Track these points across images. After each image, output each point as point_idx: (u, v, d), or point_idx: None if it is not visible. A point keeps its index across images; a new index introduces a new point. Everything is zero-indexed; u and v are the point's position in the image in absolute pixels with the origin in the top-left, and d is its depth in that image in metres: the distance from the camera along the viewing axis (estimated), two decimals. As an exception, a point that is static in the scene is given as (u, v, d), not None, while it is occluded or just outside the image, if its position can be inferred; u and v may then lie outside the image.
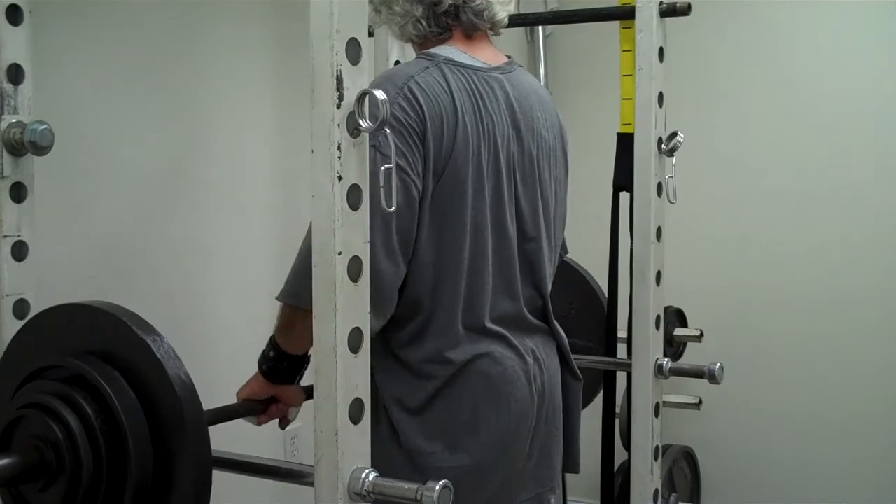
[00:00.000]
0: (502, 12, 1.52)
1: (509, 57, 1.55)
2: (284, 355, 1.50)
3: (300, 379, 1.57)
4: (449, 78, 1.39)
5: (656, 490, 1.95)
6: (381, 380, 1.42)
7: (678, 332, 2.79)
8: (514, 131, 1.47)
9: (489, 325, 1.45)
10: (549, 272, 1.56)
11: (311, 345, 1.47)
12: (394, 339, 1.43)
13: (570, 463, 1.64)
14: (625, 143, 1.97)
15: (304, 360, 1.53)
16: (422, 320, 1.41)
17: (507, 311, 1.48)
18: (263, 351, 1.52)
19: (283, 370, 1.52)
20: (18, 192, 1.42)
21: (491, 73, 1.47)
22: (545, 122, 1.54)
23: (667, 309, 2.37)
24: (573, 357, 1.62)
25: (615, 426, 2.25)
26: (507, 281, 1.48)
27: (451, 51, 1.45)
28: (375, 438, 1.36)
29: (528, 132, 1.49)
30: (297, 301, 1.36)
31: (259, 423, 1.61)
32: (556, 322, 1.59)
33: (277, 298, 1.41)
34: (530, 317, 1.53)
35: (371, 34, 1.63)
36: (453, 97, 1.38)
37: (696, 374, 1.94)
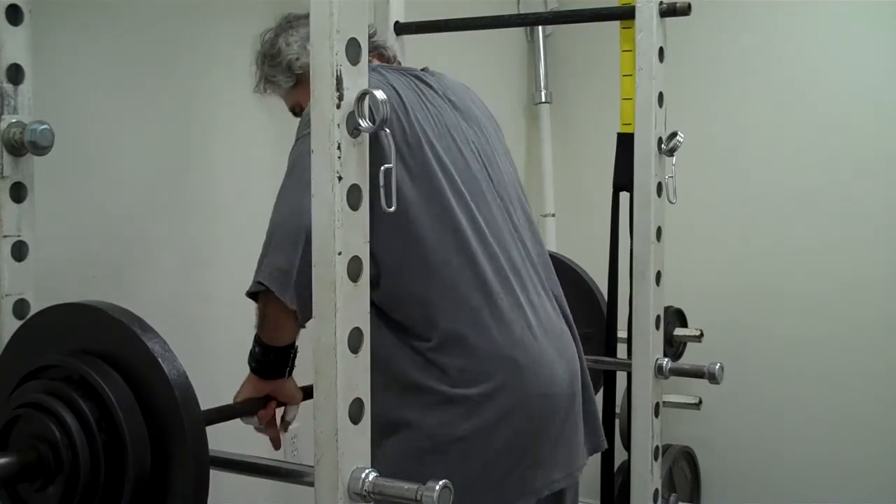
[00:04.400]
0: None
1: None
2: (269, 348, 1.50)
3: (291, 372, 1.57)
4: (388, 77, 1.47)
5: (656, 490, 1.95)
6: (400, 371, 1.42)
7: (678, 332, 2.79)
8: (462, 120, 1.56)
9: (503, 297, 1.47)
10: (536, 240, 1.62)
11: (292, 334, 1.48)
12: (404, 330, 1.44)
13: (596, 440, 1.65)
14: (625, 143, 1.97)
15: (289, 352, 1.53)
16: (421, 303, 1.41)
17: (518, 282, 1.51)
18: (250, 349, 1.53)
19: (270, 364, 1.52)
20: (18, 192, 1.42)
21: (419, 73, 1.57)
22: (479, 110, 1.64)
23: (667, 309, 2.37)
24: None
25: (615, 426, 2.25)
26: (507, 252, 1.51)
27: (375, 63, 1.57)
28: (396, 437, 1.37)
29: (472, 120, 1.59)
30: (259, 286, 1.37)
31: (259, 428, 1.61)
32: (562, 294, 1.63)
33: (246, 294, 1.42)
34: (540, 288, 1.56)
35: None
36: (398, 92, 1.44)
37: (696, 374, 1.94)
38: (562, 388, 1.50)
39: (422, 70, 1.61)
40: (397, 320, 1.44)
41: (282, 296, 1.34)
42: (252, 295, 1.43)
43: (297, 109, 1.71)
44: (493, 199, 1.54)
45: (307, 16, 1.68)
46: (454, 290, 1.43)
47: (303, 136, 1.42)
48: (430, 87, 1.55)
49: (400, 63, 1.69)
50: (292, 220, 1.34)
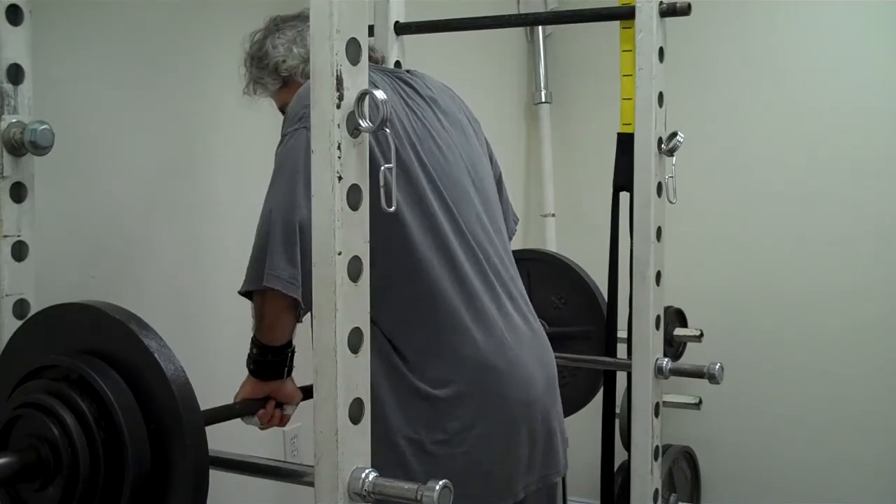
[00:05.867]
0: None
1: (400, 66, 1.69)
2: (266, 348, 1.50)
3: (290, 372, 1.57)
4: (372, 77, 1.46)
5: (656, 490, 1.95)
6: (380, 373, 1.42)
7: (678, 332, 2.79)
8: (444, 123, 1.57)
9: (485, 299, 1.48)
10: (508, 246, 1.65)
11: (289, 332, 1.49)
12: (387, 331, 1.44)
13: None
14: (625, 143, 1.97)
15: (286, 351, 1.52)
16: (401, 304, 1.42)
17: (500, 285, 1.53)
18: (248, 352, 1.52)
19: (268, 364, 1.52)
20: (18, 192, 1.42)
21: (400, 74, 1.58)
22: (461, 112, 1.66)
23: (667, 309, 2.37)
24: (574, 356, 1.64)
25: (615, 426, 2.25)
26: (488, 255, 1.53)
27: None
28: (374, 437, 1.38)
29: (454, 122, 1.60)
30: (255, 284, 1.36)
31: (262, 427, 1.61)
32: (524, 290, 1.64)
33: (238, 292, 1.41)
34: (517, 292, 1.58)
35: (371, 34, 1.65)
36: None
37: (696, 374, 1.94)
38: (539, 392, 1.52)
39: (406, 71, 1.63)
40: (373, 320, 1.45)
41: (294, 294, 1.34)
42: (247, 294, 1.42)
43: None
44: (476, 201, 1.56)
45: (295, 17, 1.70)
46: (435, 290, 1.44)
47: (289, 132, 1.42)
48: (414, 88, 1.57)
49: (384, 63, 1.69)
50: (287, 216, 1.35)
